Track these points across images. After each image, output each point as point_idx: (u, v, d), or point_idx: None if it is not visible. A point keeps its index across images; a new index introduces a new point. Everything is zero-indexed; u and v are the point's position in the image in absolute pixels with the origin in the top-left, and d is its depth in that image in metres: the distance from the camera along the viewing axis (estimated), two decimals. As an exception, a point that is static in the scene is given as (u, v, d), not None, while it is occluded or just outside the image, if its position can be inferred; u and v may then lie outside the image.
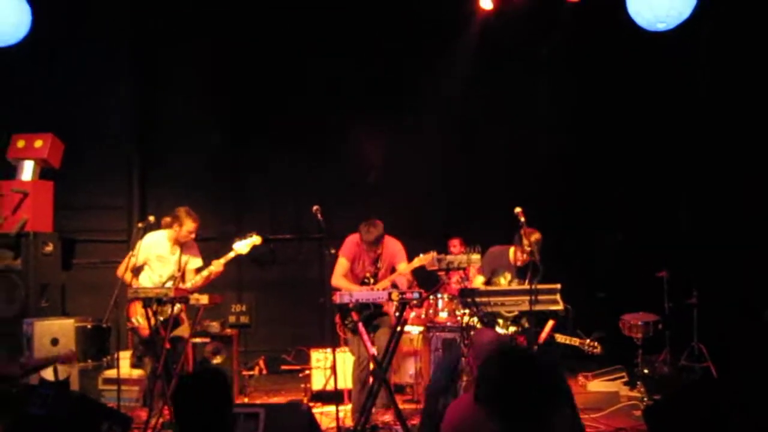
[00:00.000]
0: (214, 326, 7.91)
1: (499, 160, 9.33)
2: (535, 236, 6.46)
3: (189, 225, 7.00)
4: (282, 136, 9.66)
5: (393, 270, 6.95)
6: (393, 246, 7.00)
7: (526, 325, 6.25)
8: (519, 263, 6.73)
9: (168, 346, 6.53)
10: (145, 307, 6.48)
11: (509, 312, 6.41)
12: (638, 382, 7.74)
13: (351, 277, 6.94)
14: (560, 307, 6.23)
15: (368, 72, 9.50)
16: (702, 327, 8.31)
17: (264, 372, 8.88)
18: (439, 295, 7.63)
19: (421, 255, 6.78)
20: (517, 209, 6.35)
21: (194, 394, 2.55)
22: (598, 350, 7.01)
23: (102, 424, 5.68)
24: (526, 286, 6.21)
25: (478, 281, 6.88)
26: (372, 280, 6.89)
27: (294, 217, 9.78)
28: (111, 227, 9.77)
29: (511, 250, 6.77)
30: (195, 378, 2.79)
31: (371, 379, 6.39)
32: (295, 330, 9.48)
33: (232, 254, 7.04)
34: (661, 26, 7.05)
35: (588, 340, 6.94)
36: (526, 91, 9.37)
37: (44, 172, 7.85)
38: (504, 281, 6.79)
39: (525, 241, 6.44)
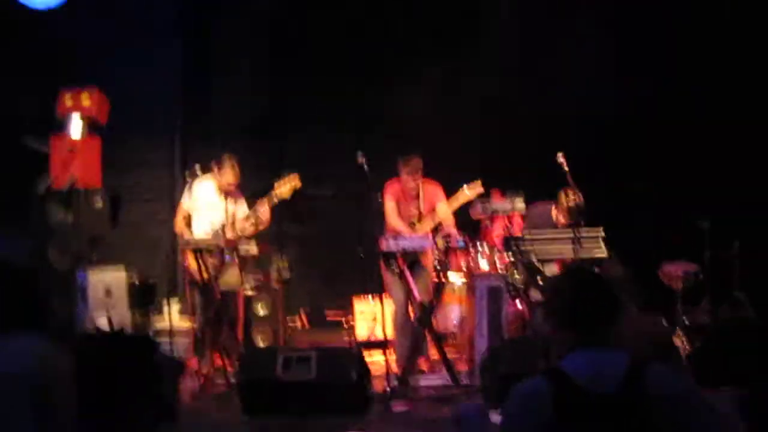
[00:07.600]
0: (259, 278, 8.07)
1: (541, 112, 9.25)
2: (577, 200, 6.47)
3: (228, 176, 7.04)
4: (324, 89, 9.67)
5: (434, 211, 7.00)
6: (432, 187, 7.03)
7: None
8: (560, 226, 6.72)
9: (219, 296, 6.71)
10: (196, 257, 6.65)
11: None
12: (677, 329, 7.76)
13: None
14: (604, 254, 6.25)
15: (409, 21, 9.47)
16: (743, 277, 8.30)
17: (306, 326, 9.04)
18: (479, 247, 7.65)
19: (465, 187, 6.80)
20: (560, 155, 6.37)
21: None
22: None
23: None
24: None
25: None
26: (418, 224, 6.93)
27: (333, 172, 9.80)
28: (154, 184, 9.88)
29: (554, 210, 6.80)
30: None
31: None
32: (336, 283, 9.53)
33: (275, 198, 7.07)
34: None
35: None
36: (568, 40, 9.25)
37: (91, 127, 7.96)
38: None
39: (563, 202, 6.47)
